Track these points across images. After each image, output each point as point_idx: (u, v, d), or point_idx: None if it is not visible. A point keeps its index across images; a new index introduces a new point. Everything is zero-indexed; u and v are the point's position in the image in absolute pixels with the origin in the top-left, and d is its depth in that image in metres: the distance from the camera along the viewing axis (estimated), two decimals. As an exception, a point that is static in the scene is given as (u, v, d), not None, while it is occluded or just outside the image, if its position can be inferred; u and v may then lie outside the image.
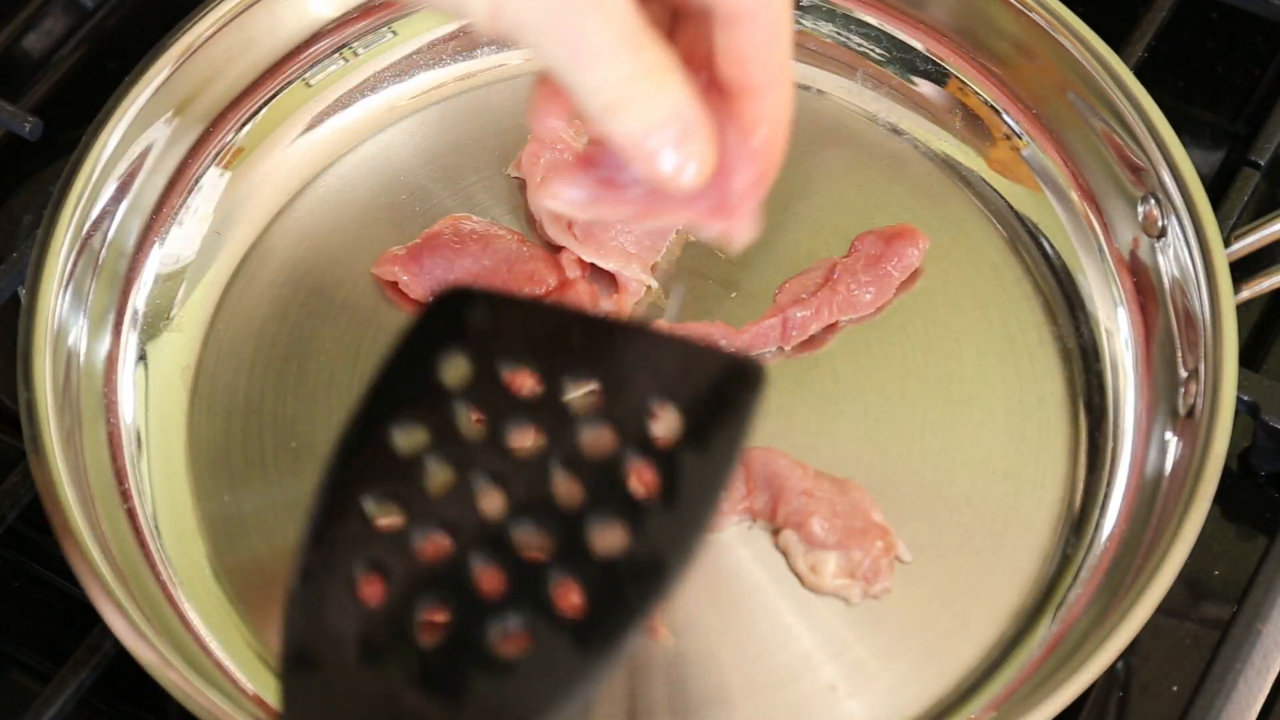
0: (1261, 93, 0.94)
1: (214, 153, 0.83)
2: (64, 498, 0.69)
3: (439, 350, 0.59)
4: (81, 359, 0.76)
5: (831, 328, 0.80)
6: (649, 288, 0.81)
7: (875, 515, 0.74)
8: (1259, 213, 0.81)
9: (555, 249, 0.81)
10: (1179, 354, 0.76)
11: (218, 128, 0.84)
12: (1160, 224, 0.78)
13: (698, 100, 0.58)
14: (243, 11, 0.82)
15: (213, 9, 0.81)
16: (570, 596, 0.54)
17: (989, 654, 0.72)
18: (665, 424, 0.57)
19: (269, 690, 0.70)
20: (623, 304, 0.80)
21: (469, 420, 0.58)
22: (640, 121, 0.57)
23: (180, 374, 0.79)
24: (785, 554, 0.74)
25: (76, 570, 0.67)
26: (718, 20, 0.60)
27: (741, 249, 0.64)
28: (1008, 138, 0.85)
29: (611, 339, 0.59)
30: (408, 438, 0.57)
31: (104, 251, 0.78)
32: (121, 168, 0.79)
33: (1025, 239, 0.83)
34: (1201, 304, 0.75)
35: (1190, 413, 0.74)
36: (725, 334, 0.78)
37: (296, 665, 0.54)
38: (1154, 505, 0.73)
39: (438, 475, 0.57)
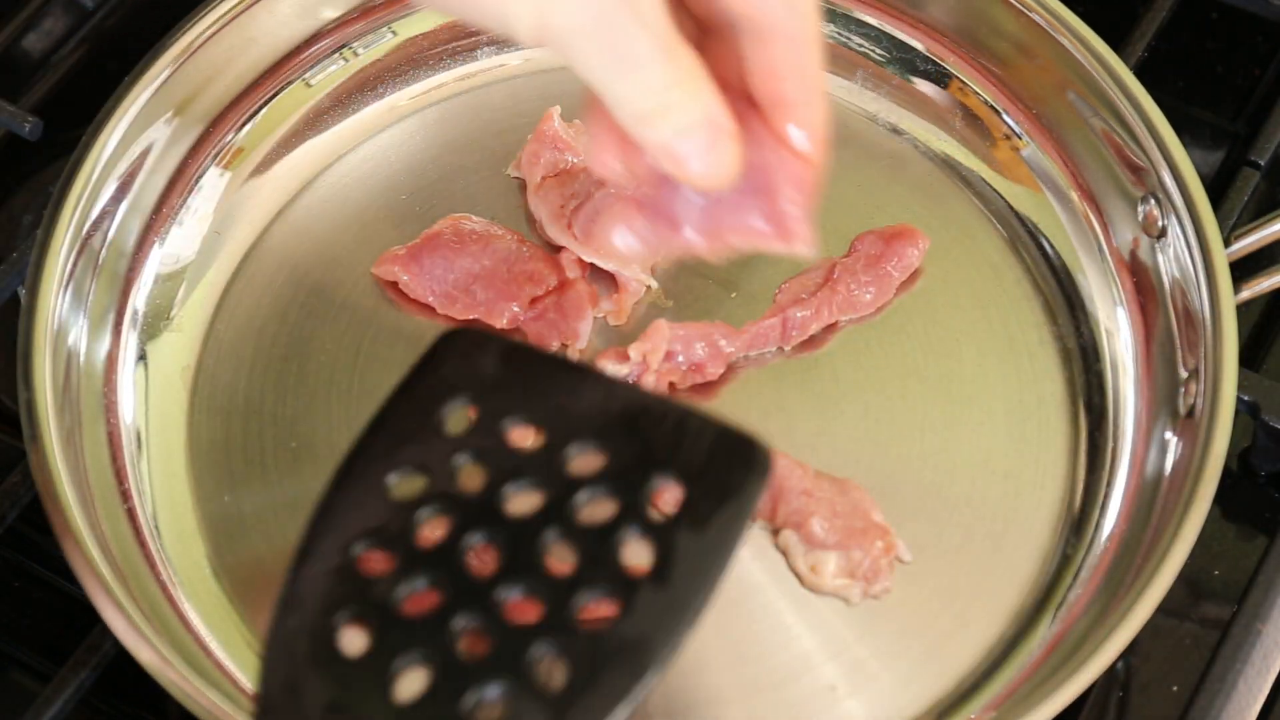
0: (1261, 93, 0.94)
1: (214, 153, 0.83)
2: (64, 498, 0.69)
3: (444, 395, 0.58)
4: (81, 359, 0.76)
5: (831, 328, 0.80)
6: (649, 288, 0.80)
7: (875, 515, 0.74)
8: (1259, 213, 0.81)
9: (555, 249, 0.81)
10: (1179, 354, 0.76)
11: (218, 128, 0.84)
12: (1160, 224, 0.78)
13: (725, 104, 0.59)
14: (243, 11, 0.82)
15: (213, 9, 0.81)
16: (553, 671, 0.53)
17: (989, 654, 0.72)
18: (666, 499, 0.56)
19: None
20: (623, 304, 0.80)
21: (468, 472, 0.57)
22: (674, 128, 0.58)
23: (180, 374, 0.79)
24: (785, 554, 0.74)
25: (76, 570, 0.67)
26: (746, 36, 0.60)
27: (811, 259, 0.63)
28: (1008, 138, 0.85)
29: (621, 404, 0.58)
30: (403, 484, 0.56)
31: (104, 251, 0.78)
32: (121, 168, 0.79)
33: (1025, 239, 0.83)
34: (1201, 304, 0.75)
35: (1190, 413, 0.73)
36: (725, 334, 0.78)
37: (267, 713, 0.53)
38: (1154, 505, 0.73)
39: (430, 527, 0.56)
